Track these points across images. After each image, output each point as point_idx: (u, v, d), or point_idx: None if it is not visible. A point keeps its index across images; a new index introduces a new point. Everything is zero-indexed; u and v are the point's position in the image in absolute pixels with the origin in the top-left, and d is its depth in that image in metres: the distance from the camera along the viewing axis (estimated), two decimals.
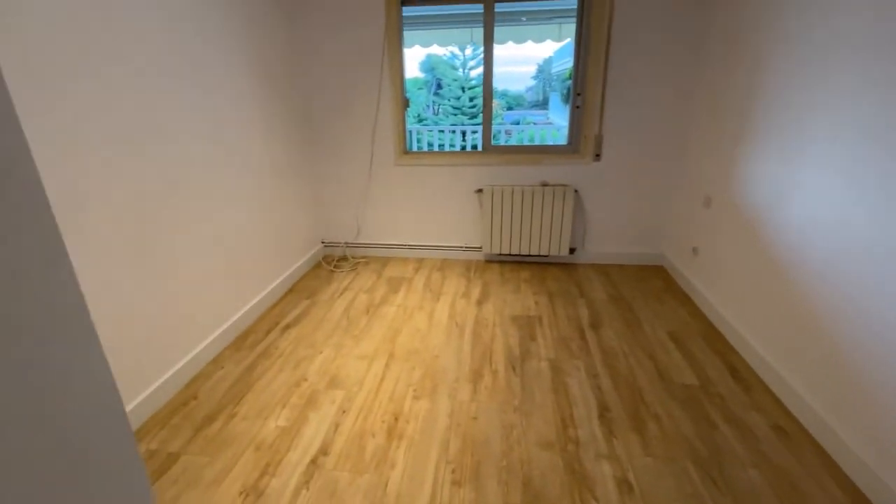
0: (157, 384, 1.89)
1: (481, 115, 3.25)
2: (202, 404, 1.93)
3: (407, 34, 3.15)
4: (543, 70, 10.11)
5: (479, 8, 2.98)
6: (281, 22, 2.86)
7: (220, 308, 2.34)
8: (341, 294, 2.96)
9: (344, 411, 1.87)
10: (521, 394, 1.96)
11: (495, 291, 2.96)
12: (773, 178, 2.01)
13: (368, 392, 1.99)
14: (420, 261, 3.51)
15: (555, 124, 8.36)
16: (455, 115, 9.79)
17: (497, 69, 3.12)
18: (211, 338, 2.24)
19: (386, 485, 1.52)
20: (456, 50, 9.83)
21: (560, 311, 2.68)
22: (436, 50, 9.59)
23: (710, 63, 2.62)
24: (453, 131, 7.11)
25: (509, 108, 10.40)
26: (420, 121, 9.28)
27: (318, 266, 3.44)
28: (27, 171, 0.43)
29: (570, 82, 3.14)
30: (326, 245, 3.64)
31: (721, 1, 2.50)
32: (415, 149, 6.54)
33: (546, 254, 3.29)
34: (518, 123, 9.06)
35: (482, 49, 3.06)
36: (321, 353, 2.29)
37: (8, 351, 0.41)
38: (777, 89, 1.99)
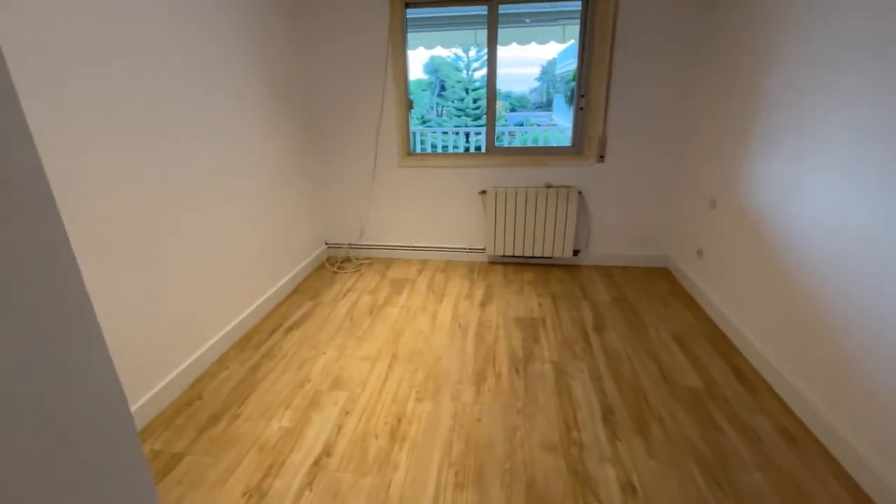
0: (161, 384, 1.90)
1: (485, 116, 3.25)
2: (206, 404, 1.93)
3: (410, 36, 3.16)
4: (547, 71, 10.10)
5: (482, 10, 2.98)
6: (284, 23, 2.88)
7: (224, 308, 2.34)
8: (345, 295, 2.96)
9: (347, 413, 1.87)
10: (524, 396, 1.95)
11: (499, 293, 2.96)
12: (778, 180, 2.00)
13: (371, 393, 1.99)
14: (423, 262, 3.51)
15: (558, 126, 8.35)
16: (459, 116, 9.80)
17: (501, 71, 3.12)
18: (215, 338, 2.25)
19: (389, 486, 1.52)
20: (460, 52, 9.84)
21: (564, 313, 2.67)
22: (439, 52, 9.61)
23: (714, 64, 2.61)
24: (457, 133, 7.12)
25: (513, 110, 10.40)
26: (423, 122, 9.29)
27: (321, 267, 3.45)
28: (34, 172, 0.44)
29: (573, 84, 3.14)
30: (330, 246, 3.65)
31: (725, 2, 2.50)
32: (418, 150, 6.54)
33: (550, 255, 3.28)
34: (522, 125, 9.05)
35: (486, 51, 3.07)
36: (325, 353, 2.29)
37: (13, 350, 0.41)
38: (780, 90, 1.98)
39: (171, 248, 1.95)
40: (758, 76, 2.16)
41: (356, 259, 3.58)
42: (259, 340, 2.43)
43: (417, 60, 9.93)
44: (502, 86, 10.35)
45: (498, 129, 3.23)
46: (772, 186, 2.04)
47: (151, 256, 1.84)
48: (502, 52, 3.11)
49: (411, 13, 3.09)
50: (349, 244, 3.63)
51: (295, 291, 3.04)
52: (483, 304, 2.80)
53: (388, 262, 3.51)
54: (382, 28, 3.02)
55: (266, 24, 2.65)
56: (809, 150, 1.79)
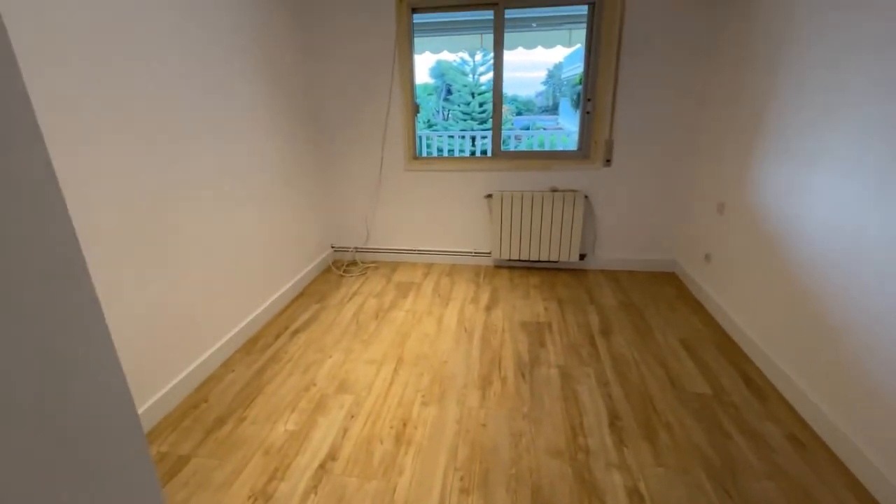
0: (168, 386, 1.91)
1: (491, 120, 3.25)
2: (213, 407, 1.94)
3: (417, 41, 3.17)
4: (553, 75, 10.12)
5: (489, 14, 2.99)
6: (292, 28, 2.90)
7: (231, 311, 2.36)
8: (350, 299, 2.97)
9: (352, 416, 1.87)
10: (530, 401, 1.94)
11: (504, 297, 2.95)
12: (787, 184, 1.98)
13: (377, 397, 1.99)
14: (429, 266, 3.51)
15: (565, 129, 8.34)
16: (465, 120, 9.82)
17: (507, 74, 3.12)
18: (222, 341, 2.26)
19: (394, 491, 1.52)
20: (466, 56, 9.88)
21: (570, 317, 2.66)
22: (446, 56, 9.64)
23: (721, 67, 2.60)
24: (463, 137, 7.13)
25: (519, 114, 10.41)
26: (430, 126, 9.33)
27: (327, 270, 3.46)
28: (46, 174, 0.44)
29: (580, 87, 3.13)
30: (336, 250, 3.66)
31: (732, 4, 2.49)
32: (424, 154, 6.56)
33: (556, 260, 3.27)
34: (528, 129, 9.06)
35: (492, 55, 3.07)
36: (330, 357, 2.30)
37: (20, 350, 0.42)
38: (790, 93, 1.96)
39: (178, 251, 1.97)
40: (765, 78, 2.14)
41: (362, 262, 3.59)
42: (265, 343, 2.44)
43: (424, 64, 9.99)
44: (508, 90, 10.36)
45: (504, 133, 3.23)
46: (780, 190, 2.02)
47: (157, 259, 1.86)
48: (509, 56, 3.11)
49: (418, 18, 3.11)
50: (355, 248, 3.64)
51: (301, 295, 3.05)
52: (489, 308, 2.79)
53: (394, 266, 3.52)
54: (389, 33, 3.04)
55: (273, 30, 2.67)
56: (822, 154, 1.78)
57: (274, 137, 2.72)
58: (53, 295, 0.45)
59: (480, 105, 9.71)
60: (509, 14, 3.00)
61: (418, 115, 3.32)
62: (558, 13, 3.34)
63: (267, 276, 2.70)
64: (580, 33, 3.13)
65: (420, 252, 3.57)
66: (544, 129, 8.96)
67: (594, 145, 3.09)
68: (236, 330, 2.38)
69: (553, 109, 10.14)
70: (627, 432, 1.75)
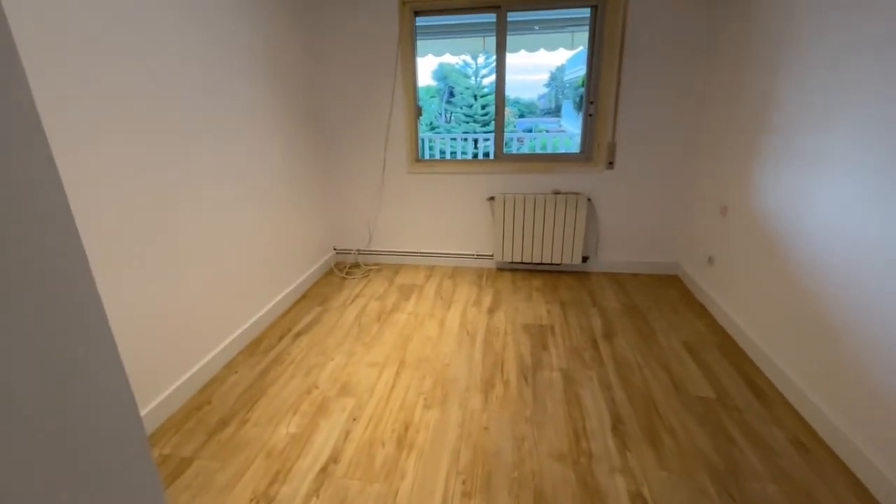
0: (171, 388, 1.92)
1: (493, 122, 3.26)
2: (215, 409, 1.94)
3: (420, 43, 3.18)
4: (556, 78, 10.13)
5: (491, 17, 3.00)
6: (295, 31, 2.91)
7: (234, 313, 2.36)
8: (353, 301, 2.97)
9: (354, 419, 1.87)
10: (532, 404, 1.94)
11: (507, 300, 2.94)
12: (791, 186, 1.97)
13: (379, 400, 1.99)
14: (431, 268, 3.51)
15: (567, 132, 8.34)
16: (467, 122, 9.84)
17: (509, 77, 3.13)
18: (225, 343, 2.27)
19: (396, 494, 1.51)
20: (468, 58, 9.90)
21: (573, 320, 2.65)
22: (448, 59, 9.67)
23: (724, 70, 2.59)
24: (465, 139, 7.14)
25: (521, 116, 10.42)
26: (432, 128, 9.35)
27: (330, 273, 3.46)
28: (47, 171, 0.44)
29: (582, 90, 3.13)
30: (339, 252, 3.67)
31: (733, 5, 2.48)
32: (427, 157, 6.57)
33: (558, 262, 3.27)
34: (530, 131, 9.06)
35: (494, 57, 3.08)
36: (332, 359, 2.30)
37: (21, 351, 0.42)
38: (790, 94, 1.96)
39: (181, 252, 1.97)
40: (767, 79, 2.14)
41: (364, 265, 3.59)
42: (268, 346, 2.44)
43: (426, 67, 10.03)
44: (511, 92, 10.37)
45: (506, 136, 3.24)
46: (782, 191, 2.02)
47: (159, 259, 1.86)
48: (511, 58, 3.12)
49: (421, 21, 3.12)
50: (357, 250, 3.64)
51: (303, 297, 3.05)
52: (491, 311, 2.79)
53: (397, 268, 3.52)
54: (392, 36, 3.05)
55: (274, 30, 2.68)
56: (825, 155, 1.77)
57: (275, 138, 2.72)
58: (55, 295, 0.45)
59: (483, 107, 9.73)
60: (512, 17, 3.00)
61: (421, 117, 3.32)
62: (561, 16, 3.34)
63: (270, 278, 2.71)
64: (583, 36, 3.13)
65: (422, 254, 3.57)
66: (547, 131, 8.96)
67: (597, 148, 3.08)
68: (239, 332, 2.38)
69: (555, 112, 10.14)
70: (630, 436, 1.74)
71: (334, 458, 1.67)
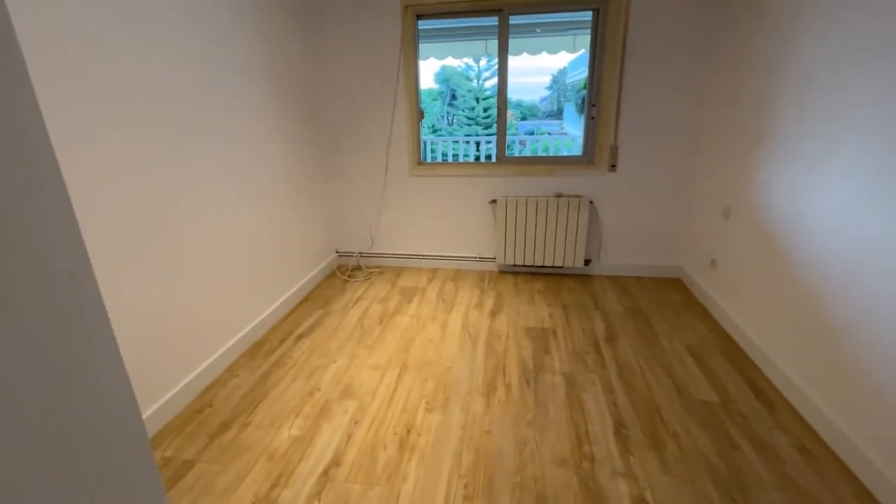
0: (173, 391, 1.92)
1: (495, 125, 3.26)
2: (217, 412, 1.94)
3: (422, 46, 3.19)
4: (558, 80, 10.13)
5: (493, 20, 3.00)
6: (297, 33, 2.92)
7: (236, 316, 2.36)
8: (355, 304, 2.97)
9: (356, 422, 1.87)
10: (534, 408, 1.93)
11: (509, 302, 2.94)
12: (792, 187, 1.96)
13: (381, 403, 1.98)
14: (433, 271, 3.51)
15: (569, 134, 8.34)
16: (469, 125, 9.85)
17: (511, 80, 3.13)
18: (226, 346, 2.27)
19: (398, 498, 1.51)
20: (470, 61, 9.93)
21: (575, 323, 2.64)
22: (450, 61, 9.69)
23: (726, 72, 2.59)
24: (467, 142, 7.15)
25: (523, 118, 10.43)
26: (434, 131, 9.36)
27: (332, 275, 3.46)
28: (51, 171, 0.44)
29: (584, 92, 3.13)
30: (341, 255, 3.67)
31: (734, 8, 2.48)
32: (429, 159, 6.58)
33: (560, 265, 3.26)
34: (532, 133, 9.07)
35: (496, 60, 3.08)
36: (334, 362, 2.29)
37: (21, 352, 0.42)
38: (793, 95, 1.96)
39: (182, 253, 1.98)
40: (769, 80, 2.13)
41: (367, 267, 3.60)
42: (269, 348, 2.44)
43: (428, 70, 10.05)
44: (513, 94, 10.39)
45: (508, 138, 3.24)
46: (788, 195, 2.01)
47: (160, 261, 1.86)
48: (513, 61, 3.12)
49: (423, 24, 3.13)
50: (360, 252, 3.64)
51: (305, 300, 3.05)
52: (493, 314, 2.78)
53: (399, 271, 3.52)
54: (394, 39, 3.05)
55: (281, 32, 2.69)
56: (828, 157, 1.76)
57: (276, 139, 2.71)
58: (56, 294, 0.45)
59: (485, 110, 9.74)
60: (514, 20, 3.01)
61: (423, 120, 3.32)
62: (563, 19, 3.35)
63: (271, 280, 2.71)
64: (585, 39, 3.13)
65: (424, 257, 3.57)
66: (549, 133, 8.97)
67: (599, 151, 3.08)
68: (241, 334, 2.38)
69: (557, 114, 10.15)
70: (633, 441, 1.74)
71: (336, 462, 1.66)
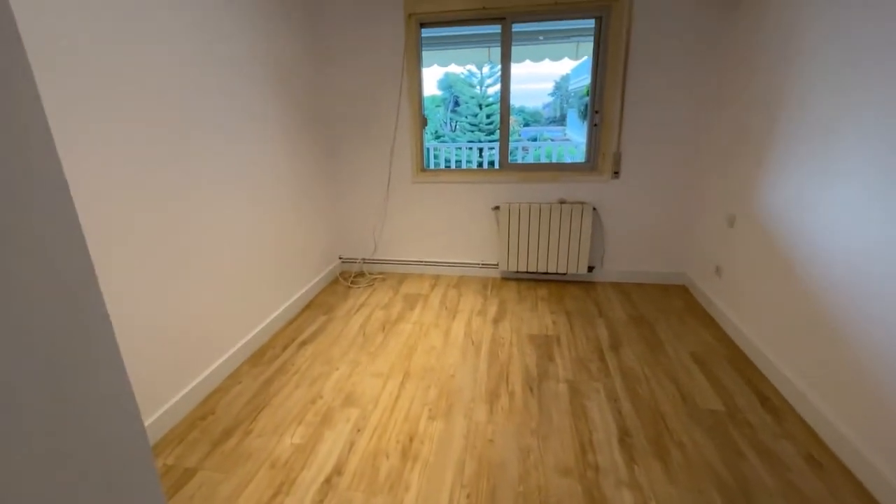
0: (175, 399, 1.91)
1: (498, 131, 3.27)
2: (219, 419, 1.94)
3: (425, 54, 3.21)
4: (561, 87, 10.15)
5: (496, 28, 3.02)
6: (303, 41, 2.95)
7: (238, 323, 2.36)
8: (358, 310, 2.97)
9: (359, 430, 1.86)
10: (538, 416, 1.92)
11: (512, 310, 2.93)
12: (799, 195, 1.95)
13: (383, 411, 1.97)
14: (436, 278, 3.51)
15: (572, 141, 8.35)
16: (472, 131, 9.88)
17: (514, 86, 3.14)
18: (229, 353, 2.27)
19: None
20: (473, 68, 9.97)
21: (578, 330, 2.63)
22: (453, 68, 9.73)
23: (730, 78, 2.59)
24: (470, 148, 7.17)
25: (526, 125, 10.45)
26: (437, 137, 9.38)
27: (335, 282, 3.47)
28: (53, 172, 0.45)
29: (587, 99, 3.14)
30: (344, 261, 3.68)
31: (738, 14, 2.49)
32: (432, 166, 6.60)
33: (564, 272, 3.25)
34: (535, 139, 9.07)
35: (499, 67, 3.09)
36: (337, 369, 2.29)
37: (23, 358, 0.42)
38: (799, 101, 1.95)
39: (184, 259, 1.98)
40: (773, 86, 2.13)
41: (370, 274, 3.60)
42: (272, 355, 2.44)
43: (431, 76, 10.10)
44: (516, 101, 10.41)
45: (511, 144, 3.24)
46: (794, 202, 2.00)
47: (162, 267, 1.87)
48: (516, 68, 3.13)
49: (426, 32, 3.15)
50: (363, 259, 3.65)
51: (308, 306, 3.05)
52: (496, 321, 2.77)
53: (402, 278, 3.52)
54: (398, 47, 3.07)
55: (286, 41, 2.71)
56: (834, 164, 1.75)
57: (283, 149, 2.73)
58: (56, 294, 0.45)
59: (488, 116, 9.77)
60: (516, 28, 3.02)
61: (426, 127, 3.34)
62: (565, 27, 3.36)
63: (275, 287, 2.71)
64: (587, 46, 3.14)
65: (427, 263, 3.57)
66: (552, 140, 8.97)
67: (602, 157, 3.08)
68: (244, 341, 2.38)
69: (560, 121, 10.16)
70: (638, 450, 1.72)
71: (338, 470, 1.65)
